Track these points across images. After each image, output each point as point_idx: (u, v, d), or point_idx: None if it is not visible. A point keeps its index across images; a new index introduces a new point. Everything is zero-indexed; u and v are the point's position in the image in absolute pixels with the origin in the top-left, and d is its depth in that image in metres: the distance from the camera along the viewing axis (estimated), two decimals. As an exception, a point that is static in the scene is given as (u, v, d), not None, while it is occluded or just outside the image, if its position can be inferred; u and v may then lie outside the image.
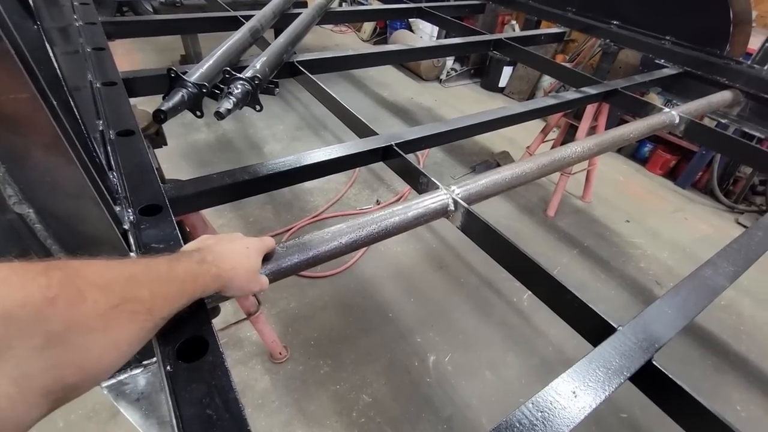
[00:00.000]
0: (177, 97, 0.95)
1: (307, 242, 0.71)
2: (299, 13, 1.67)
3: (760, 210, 2.96)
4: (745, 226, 2.86)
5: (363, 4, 5.29)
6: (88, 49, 1.13)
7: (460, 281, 2.14)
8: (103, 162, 0.63)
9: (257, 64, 1.16)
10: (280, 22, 1.74)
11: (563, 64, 2.55)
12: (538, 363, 1.81)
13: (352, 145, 1.00)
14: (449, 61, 4.53)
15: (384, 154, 1.03)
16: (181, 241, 0.58)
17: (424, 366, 1.76)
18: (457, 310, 2.01)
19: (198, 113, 1.04)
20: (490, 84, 4.47)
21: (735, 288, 0.72)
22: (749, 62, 1.77)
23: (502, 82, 4.40)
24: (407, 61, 1.55)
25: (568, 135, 2.61)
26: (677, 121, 1.36)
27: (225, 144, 3.04)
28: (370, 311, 1.95)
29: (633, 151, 3.50)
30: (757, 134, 1.71)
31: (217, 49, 1.20)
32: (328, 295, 2.00)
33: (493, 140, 3.43)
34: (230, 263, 0.55)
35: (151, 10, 3.86)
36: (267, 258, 0.66)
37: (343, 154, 0.96)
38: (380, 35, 5.40)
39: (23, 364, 0.30)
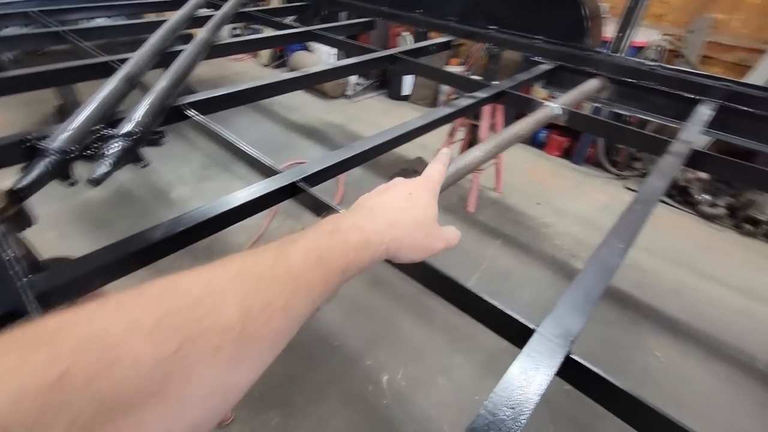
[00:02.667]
0: (38, 170, 0.83)
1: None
2: (181, 51, 1.57)
3: (641, 174, 3.39)
4: (632, 190, 3.26)
5: (257, 31, 5.19)
6: None
7: (398, 294, 2.15)
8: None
9: (136, 115, 1.06)
10: (162, 61, 1.62)
11: (454, 71, 2.71)
12: (485, 357, 1.87)
13: (255, 188, 0.95)
14: (353, 77, 4.60)
15: (291, 191, 0.99)
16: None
17: (378, 388, 1.73)
18: (400, 323, 2.01)
19: (69, 182, 0.92)
20: (395, 93, 4.62)
21: (633, 246, 0.80)
22: (607, 51, 2.02)
23: (407, 91, 4.57)
24: (307, 86, 1.53)
25: (472, 134, 2.78)
26: (559, 112, 1.49)
27: (123, 197, 2.76)
28: (314, 345, 1.88)
29: (532, 139, 3.83)
30: (624, 113, 1.95)
31: (86, 104, 1.07)
32: (267, 338, 1.89)
33: (407, 148, 3.51)
34: (387, 220, 0.42)
35: (11, 58, 3.41)
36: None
37: (246, 201, 0.91)
38: (280, 59, 5.33)
39: None
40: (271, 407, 1.63)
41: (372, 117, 4.23)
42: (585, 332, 0.64)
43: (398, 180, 0.53)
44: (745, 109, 1.56)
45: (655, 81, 1.76)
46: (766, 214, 2.79)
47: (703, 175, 3.02)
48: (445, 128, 3.00)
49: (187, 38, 2.09)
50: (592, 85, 1.80)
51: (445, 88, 4.34)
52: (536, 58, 2.05)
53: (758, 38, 3.06)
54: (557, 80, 2.02)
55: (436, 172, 0.56)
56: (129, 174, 2.93)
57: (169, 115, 1.22)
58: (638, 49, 3.15)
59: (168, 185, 2.92)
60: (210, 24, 1.90)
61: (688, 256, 2.60)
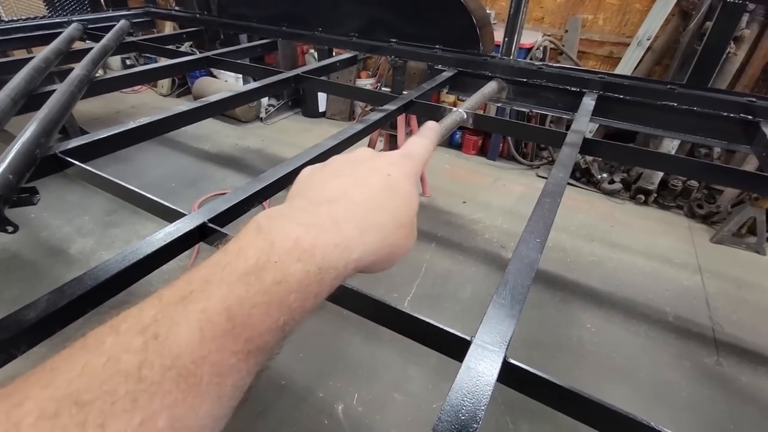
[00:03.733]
0: None
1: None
2: (53, 91, 1.38)
3: (549, 161, 3.70)
4: (543, 177, 3.54)
5: (152, 60, 4.84)
6: None
7: (343, 314, 2.08)
8: None
9: (-4, 172, 0.90)
10: (31, 105, 1.42)
11: (365, 83, 2.74)
12: (436, 362, 1.88)
13: (160, 236, 0.85)
14: (265, 99, 4.46)
15: (201, 233, 0.90)
16: None
17: (334, 420, 1.65)
18: (348, 346, 1.95)
19: None
20: (310, 111, 4.57)
21: (554, 229, 0.83)
22: (500, 54, 2.17)
23: (322, 107, 4.54)
24: (210, 116, 1.42)
25: (391, 144, 2.82)
26: (465, 116, 1.55)
27: (10, 261, 2.38)
28: (261, 389, 1.75)
29: (449, 141, 4.00)
30: (524, 109, 2.10)
31: (-75, 166, 0.89)
32: (204, 392, 1.72)
33: (331, 164, 3.50)
34: (357, 225, 0.29)
35: None
36: None
37: (149, 252, 0.80)
38: (182, 86, 5.02)
39: None
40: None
41: (290, 137, 4.13)
42: (524, 318, 0.65)
43: (365, 150, 0.38)
44: (620, 96, 1.76)
45: (543, 78, 1.92)
46: (653, 183, 3.18)
47: (599, 156, 3.37)
48: (364, 143, 3.02)
49: (66, 75, 1.86)
50: (491, 87, 1.91)
51: (361, 102, 4.39)
52: (438, 66, 2.14)
53: (620, 33, 3.52)
54: (460, 85, 2.12)
55: (421, 148, 0.41)
56: (10, 235, 2.53)
57: (41, 166, 1.06)
58: (527, 51, 3.45)
59: (65, 240, 2.57)
60: (87, 58, 1.71)
61: (599, 231, 2.87)
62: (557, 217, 0.97)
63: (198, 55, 2.17)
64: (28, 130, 1.09)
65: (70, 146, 1.14)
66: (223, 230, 0.88)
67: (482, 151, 3.93)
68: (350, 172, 0.34)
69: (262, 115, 4.43)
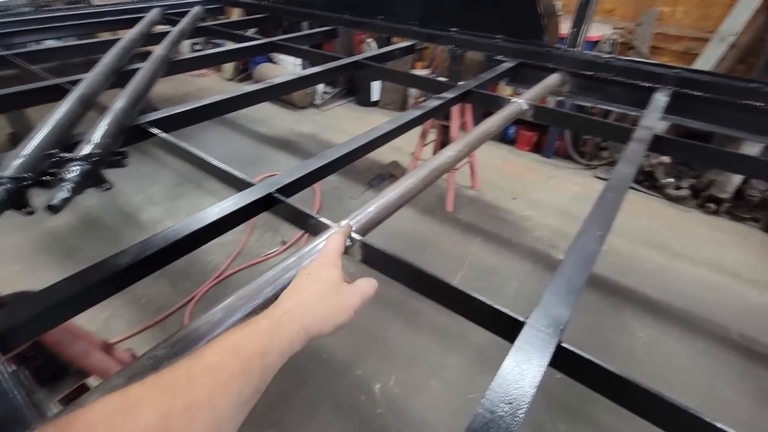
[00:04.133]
0: (-11, 200, 0.77)
1: (193, 332, 0.61)
2: (138, 69, 1.51)
3: (609, 162, 3.51)
4: (602, 178, 3.37)
5: (218, 45, 5.10)
6: None
7: (384, 299, 2.13)
8: None
9: (94, 136, 1.01)
10: (119, 81, 1.56)
11: (420, 73, 2.74)
12: (475, 354, 1.87)
13: (228, 203, 0.92)
14: (320, 86, 4.58)
15: (266, 203, 0.96)
16: (16, 394, 0.45)
17: (371, 398, 1.70)
18: (388, 329, 1.99)
19: (27, 210, 0.86)
20: (364, 100, 4.63)
21: (609, 232, 0.81)
22: (565, 46, 2.09)
23: (375, 96, 4.59)
24: (272, 98, 1.51)
25: (444, 134, 2.80)
26: (526, 107, 1.52)
27: (91, 223, 2.64)
28: (302, 360, 1.83)
29: (502, 136, 3.90)
30: (587, 104, 2.01)
31: (38, 128, 1.02)
32: (252, 357, 1.83)
33: (381, 152, 3.52)
34: (292, 301, 0.46)
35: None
36: None
37: (220, 216, 0.87)
38: (244, 72, 5.26)
39: None
40: (263, 427, 1.57)
41: (343, 124, 4.22)
42: (570, 321, 0.64)
43: (316, 268, 0.55)
44: (697, 93, 1.63)
45: (612, 72, 1.83)
46: (727, 192, 2.93)
47: (666, 159, 3.15)
48: (417, 130, 3.02)
49: (145, 56, 2.02)
50: (553, 79, 1.85)
51: (414, 91, 4.38)
52: (498, 57, 2.10)
53: (700, 27, 3.24)
54: (520, 77, 2.07)
55: (332, 243, 0.59)
56: (95, 198, 2.80)
57: (129, 134, 1.18)
58: (593, 44, 3.27)
59: (137, 207, 2.81)
60: (167, 40, 1.85)
61: (659, 238, 2.69)
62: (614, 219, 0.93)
63: (263, 40, 2.26)
64: (118, 102, 1.21)
65: (154, 118, 1.25)
66: (287, 201, 0.94)
67: (537, 148, 3.80)
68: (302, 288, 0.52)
69: (317, 101, 4.55)
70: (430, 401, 1.69)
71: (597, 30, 3.30)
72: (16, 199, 0.83)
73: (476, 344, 1.90)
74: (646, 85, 1.72)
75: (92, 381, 1.12)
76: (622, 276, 2.35)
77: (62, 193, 0.82)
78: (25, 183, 0.83)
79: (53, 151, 0.91)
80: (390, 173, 3.22)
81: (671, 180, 3.13)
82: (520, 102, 1.51)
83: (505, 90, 3.28)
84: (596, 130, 1.58)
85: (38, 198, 0.90)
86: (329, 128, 4.12)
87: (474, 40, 2.15)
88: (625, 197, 1.00)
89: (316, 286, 0.50)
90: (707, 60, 3.12)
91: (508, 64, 1.97)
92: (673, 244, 2.65)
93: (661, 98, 1.59)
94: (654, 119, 1.41)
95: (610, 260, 2.46)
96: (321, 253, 0.58)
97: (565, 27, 2.18)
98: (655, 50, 3.46)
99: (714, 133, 2.55)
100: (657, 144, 1.33)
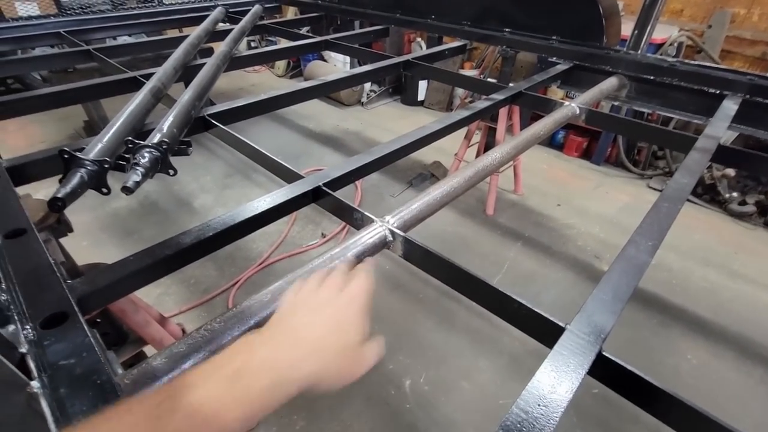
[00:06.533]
0: (75, 180, 0.87)
1: (246, 310, 0.67)
2: (204, 64, 1.62)
3: (665, 172, 3.31)
4: (656, 189, 3.18)
5: (272, 43, 5.30)
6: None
7: (419, 297, 2.14)
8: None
9: (164, 126, 1.10)
10: (185, 75, 1.68)
11: (469, 74, 2.72)
12: (508, 360, 1.84)
13: (279, 194, 0.97)
14: (367, 84, 4.64)
15: (314, 195, 1.01)
16: (96, 350, 0.51)
17: (401, 393, 1.73)
18: (421, 327, 2.01)
19: (104, 191, 0.95)
20: (410, 99, 4.64)
21: (660, 246, 0.78)
22: (626, 49, 1.99)
23: (421, 96, 4.59)
24: (323, 94, 1.57)
25: (489, 136, 2.76)
26: (578, 112, 1.48)
27: (150, 207, 2.85)
28: (336, 350, 1.89)
29: (550, 140, 3.78)
30: (645, 110, 1.92)
31: (117, 117, 1.12)
32: (290, 343, 1.91)
33: (424, 152, 3.51)
34: (309, 346, 0.38)
35: (39, 78, 3.57)
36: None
37: (271, 206, 0.93)
38: (295, 69, 5.43)
39: None
40: (295, 411, 1.64)
41: (387, 123, 4.26)
42: (611, 334, 0.63)
43: (326, 291, 0.47)
44: (773, 102, 1.51)
45: (676, 77, 1.72)
46: (799, 210, 2.68)
47: (731, 172, 2.93)
48: (462, 132, 2.99)
49: (207, 52, 2.15)
50: (610, 83, 1.77)
51: (460, 92, 4.34)
52: (552, 59, 2.04)
53: (782, 31, 2.97)
54: (574, 80, 2.00)
55: (361, 289, 0.49)
56: (154, 185, 3.02)
57: (194, 125, 1.27)
58: (657, 46, 3.09)
59: (191, 194, 2.99)
60: (229, 37, 1.96)
61: (717, 256, 2.51)
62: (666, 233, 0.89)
63: (317, 38, 2.34)
64: (186, 94, 1.31)
65: (215, 110, 1.34)
66: (334, 194, 0.98)
67: (586, 154, 3.65)
68: (313, 311, 0.46)
69: (364, 99, 4.62)
70: (460, 402, 1.69)
71: (662, 32, 3.12)
72: (96, 180, 0.93)
73: (511, 351, 1.87)
74: (715, 91, 1.62)
75: (148, 350, 1.22)
76: (672, 294, 2.22)
77: (135, 176, 0.91)
78: (105, 166, 0.92)
79: (129, 138, 1.00)
80: (432, 173, 3.22)
81: (735, 194, 2.90)
82: (572, 105, 1.47)
83: (556, 93, 3.19)
84: (654, 137, 1.50)
85: (110, 180, 1.00)
86: (374, 126, 4.17)
87: (528, 40, 2.10)
88: (682, 210, 0.95)
89: (345, 338, 0.44)
90: (787, 66, 2.86)
91: (561, 66, 1.91)
92: (732, 263, 2.46)
93: (730, 106, 1.49)
94: (721, 128, 1.33)
95: (660, 276, 2.33)
96: (350, 293, 0.48)
97: (626, 28, 2.09)
98: (726, 54, 3.21)
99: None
100: (722, 154, 1.25)
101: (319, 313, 0.44)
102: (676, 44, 3.14)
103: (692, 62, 1.80)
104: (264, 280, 2.27)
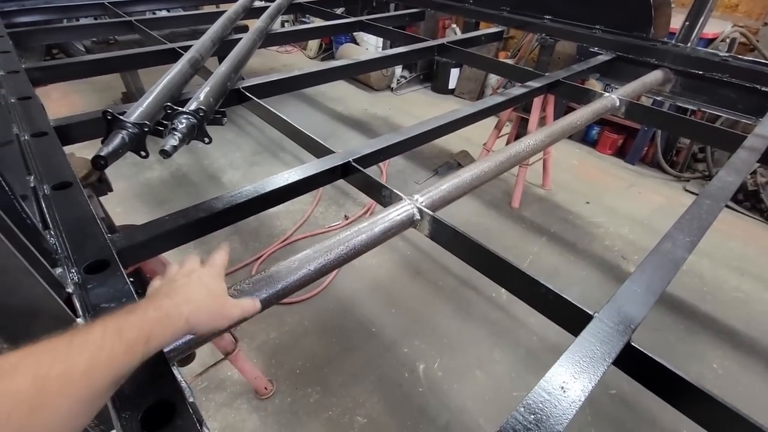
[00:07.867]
0: (117, 141, 0.90)
1: (274, 274, 0.68)
2: (240, 39, 1.64)
3: (704, 176, 3.16)
4: (693, 193, 3.05)
5: (306, 23, 5.29)
6: (12, 100, 1.06)
7: (438, 284, 2.14)
8: (37, 221, 0.58)
9: (201, 95, 1.12)
10: (221, 49, 1.70)
11: (505, 61, 2.65)
12: (524, 353, 1.83)
13: (309, 167, 0.98)
14: (398, 70, 4.59)
15: (343, 171, 1.02)
16: (135, 296, 0.53)
17: (414, 376, 1.74)
18: (439, 314, 2.01)
19: (142, 153, 0.99)
20: (440, 87, 4.57)
21: (693, 252, 0.75)
22: (674, 41, 1.89)
23: (452, 84, 4.51)
24: (354, 74, 1.57)
25: (521, 127, 2.70)
26: (618, 104, 1.42)
27: (180, 178, 2.93)
28: (353, 329, 1.92)
29: (583, 135, 3.66)
30: (690, 107, 1.82)
31: (156, 84, 1.15)
32: (308, 319, 1.95)
33: (451, 141, 3.49)
34: (183, 297, 0.50)
35: (83, 49, 3.70)
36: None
37: (302, 177, 0.94)
38: (327, 51, 5.42)
39: None
40: (310, 384, 1.68)
41: (416, 109, 4.21)
42: (635, 336, 0.61)
43: (189, 266, 0.59)
44: (834, 103, 1.42)
45: (726, 73, 1.63)
46: None
47: (776, 179, 2.77)
48: (491, 123, 2.93)
49: (242, 29, 2.17)
50: (655, 76, 1.70)
51: (492, 82, 4.25)
52: (594, 49, 1.96)
53: None
54: (614, 71, 1.92)
55: (220, 258, 0.64)
56: (185, 157, 3.10)
57: (229, 97, 1.29)
58: (707, 41, 2.93)
59: (220, 170, 3.06)
60: (266, 13, 1.96)
61: (753, 266, 2.40)
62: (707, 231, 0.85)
63: (352, 19, 2.32)
64: (223, 66, 1.33)
65: (250, 84, 1.35)
66: (364, 170, 0.98)
67: (620, 152, 3.52)
68: (179, 280, 0.56)
69: (393, 85, 4.58)
70: (473, 390, 1.69)
71: (714, 26, 2.94)
72: (136, 143, 0.96)
73: (528, 345, 1.85)
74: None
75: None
76: (702, 301, 2.14)
77: (173, 140, 0.93)
78: (145, 129, 0.95)
79: (167, 104, 1.03)
80: (458, 162, 3.18)
81: (780, 203, 2.75)
82: (612, 97, 1.42)
83: (594, 86, 3.07)
84: (699, 134, 1.43)
85: (149, 145, 1.03)
86: (402, 112, 4.14)
87: (569, 29, 2.03)
88: (719, 216, 0.91)
89: (205, 290, 0.54)
90: None
91: (603, 57, 1.84)
92: (770, 274, 2.35)
93: (784, 106, 1.41)
94: (772, 128, 1.25)
95: (691, 282, 2.24)
96: (209, 264, 0.61)
97: (675, 21, 1.98)
98: (783, 54, 3.01)
99: None
100: (772, 156, 1.18)
101: (189, 277, 0.55)
102: (728, 40, 2.96)
103: (746, 58, 1.69)
104: (286, 256, 2.31)
